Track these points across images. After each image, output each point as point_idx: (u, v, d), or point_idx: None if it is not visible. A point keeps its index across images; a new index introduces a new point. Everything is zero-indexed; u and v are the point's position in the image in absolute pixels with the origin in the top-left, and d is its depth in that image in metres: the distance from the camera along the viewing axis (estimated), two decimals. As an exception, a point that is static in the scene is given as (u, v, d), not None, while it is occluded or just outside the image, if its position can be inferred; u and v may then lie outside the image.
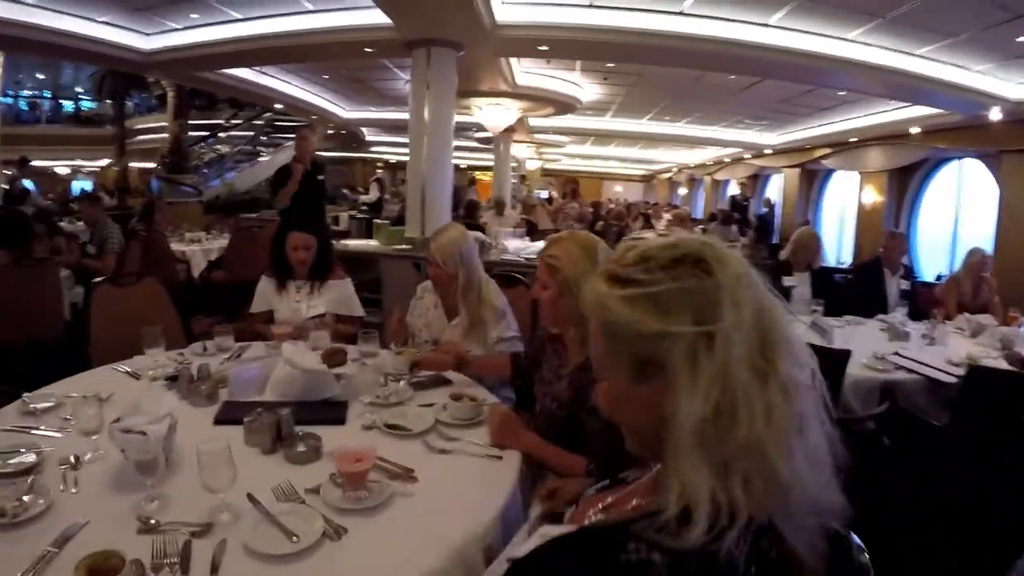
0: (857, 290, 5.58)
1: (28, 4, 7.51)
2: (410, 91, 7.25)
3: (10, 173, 13.45)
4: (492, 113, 11.79)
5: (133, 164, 15.80)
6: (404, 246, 6.96)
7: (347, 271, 4.13)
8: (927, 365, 3.76)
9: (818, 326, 4.45)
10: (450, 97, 7.21)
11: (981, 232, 9.86)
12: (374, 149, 21.76)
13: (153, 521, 1.65)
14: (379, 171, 20.16)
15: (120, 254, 6.65)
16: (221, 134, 18.93)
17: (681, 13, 6.96)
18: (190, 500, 1.75)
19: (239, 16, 8.15)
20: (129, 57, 9.10)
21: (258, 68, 11.30)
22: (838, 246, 14.65)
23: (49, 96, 22.00)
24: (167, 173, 13.78)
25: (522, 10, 7.04)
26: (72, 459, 1.97)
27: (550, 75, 10.76)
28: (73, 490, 1.83)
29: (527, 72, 10.44)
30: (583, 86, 11.52)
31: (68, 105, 22.10)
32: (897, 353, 3.96)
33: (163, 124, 15.54)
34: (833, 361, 3.38)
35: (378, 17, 6.77)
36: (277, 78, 12.04)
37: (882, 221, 12.33)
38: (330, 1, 7.43)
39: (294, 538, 1.59)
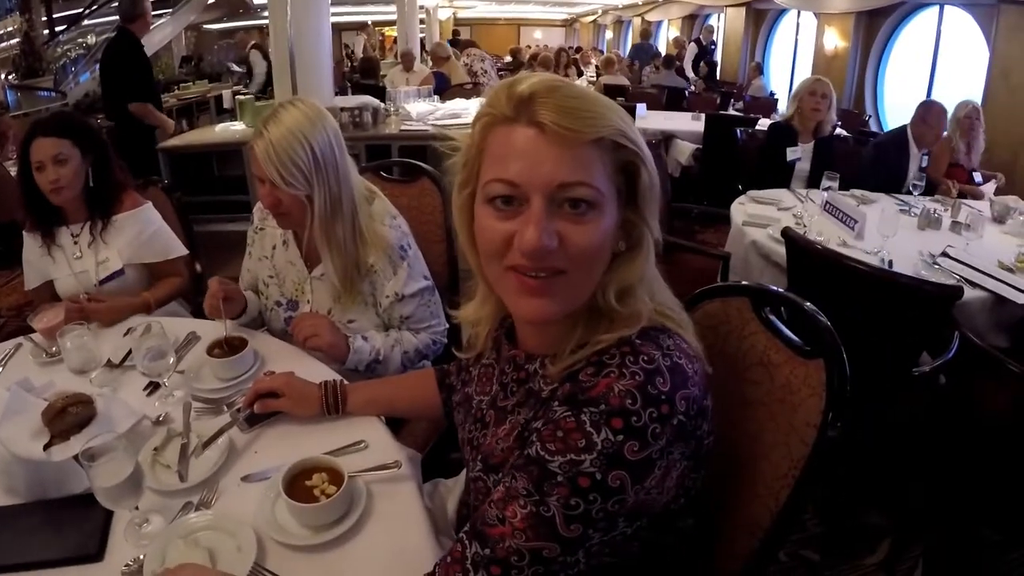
0: (876, 166, 4.51)
1: None
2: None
3: None
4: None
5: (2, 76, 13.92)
6: None
7: (154, 187, 2.76)
8: (1004, 283, 2.87)
9: (838, 208, 3.37)
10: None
11: (960, 93, 8.54)
12: (266, 14, 19.52)
13: None
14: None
15: None
16: (87, 21, 16.59)
17: None
18: None
19: None
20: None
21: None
22: (788, 97, 13.23)
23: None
24: (20, 79, 11.81)
25: None
26: None
27: None
28: None
29: None
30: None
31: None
32: (946, 255, 3.03)
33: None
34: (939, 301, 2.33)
35: None
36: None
37: (845, 70, 11.02)
38: None
39: None
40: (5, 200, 6.05)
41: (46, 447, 1.42)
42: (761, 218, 3.44)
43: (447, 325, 2.10)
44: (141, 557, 1.21)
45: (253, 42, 10.64)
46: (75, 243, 2.40)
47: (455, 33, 17.25)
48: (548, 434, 0.92)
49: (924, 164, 4.51)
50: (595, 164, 0.92)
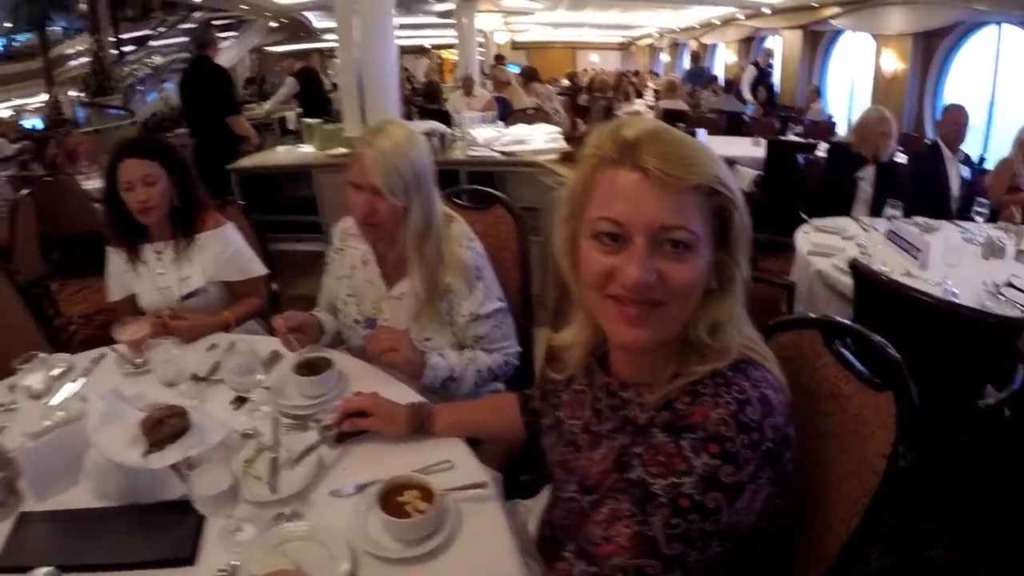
0: (916, 183, 4.45)
1: None
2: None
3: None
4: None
5: (72, 94, 14.34)
6: (342, 150, 5.30)
7: (232, 207, 2.90)
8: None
9: (901, 238, 3.33)
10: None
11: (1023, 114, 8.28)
12: (327, 37, 19.80)
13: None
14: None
15: (10, 216, 5.16)
16: (153, 43, 17.04)
17: None
18: None
19: None
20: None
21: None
22: (848, 120, 12.61)
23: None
24: (91, 97, 12.16)
25: None
26: None
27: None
28: None
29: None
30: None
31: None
32: (1012, 284, 2.93)
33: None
34: (1003, 333, 2.28)
35: None
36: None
37: (904, 92, 10.81)
38: None
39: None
40: (76, 213, 6.30)
41: (144, 455, 1.48)
42: (825, 247, 3.41)
43: (519, 348, 2.15)
44: (234, 563, 1.26)
45: (299, 66, 10.74)
46: (159, 260, 2.50)
47: (498, 58, 17.33)
48: (650, 459, 1.00)
49: (964, 174, 4.45)
50: (693, 208, 1.00)
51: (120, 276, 2.53)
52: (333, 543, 1.29)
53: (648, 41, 26.58)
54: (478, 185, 2.72)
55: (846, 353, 1.27)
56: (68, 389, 1.96)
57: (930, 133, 10.01)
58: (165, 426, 1.53)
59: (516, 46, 26.30)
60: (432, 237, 2.00)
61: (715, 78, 13.70)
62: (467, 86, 9.69)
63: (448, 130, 5.65)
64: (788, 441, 1.02)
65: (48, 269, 5.44)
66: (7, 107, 18.98)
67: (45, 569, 1.19)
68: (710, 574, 1.02)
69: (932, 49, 10.58)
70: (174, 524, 1.40)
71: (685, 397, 1.03)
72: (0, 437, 1.69)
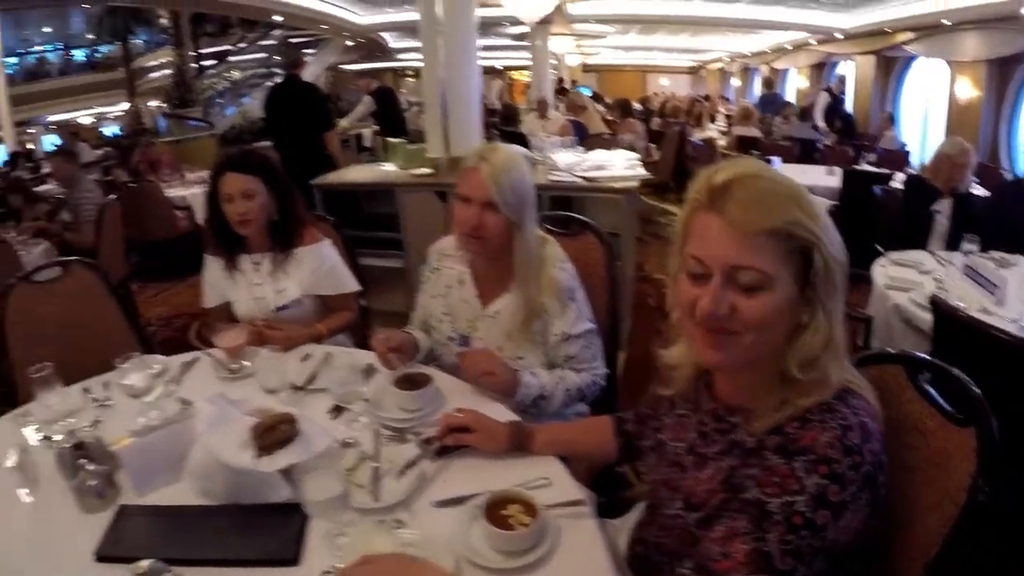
0: (994, 217, 4.34)
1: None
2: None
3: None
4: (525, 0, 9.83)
5: (153, 104, 14.95)
6: (425, 170, 5.34)
7: (325, 224, 3.02)
8: None
9: (979, 274, 3.26)
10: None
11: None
12: (401, 57, 20.21)
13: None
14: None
15: (98, 219, 5.38)
16: (232, 58, 17.68)
17: None
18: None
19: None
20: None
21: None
22: (921, 148, 12.52)
23: (60, 48, 20.61)
24: (172, 109, 12.67)
25: None
26: None
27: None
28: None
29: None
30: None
31: (79, 54, 20.58)
32: None
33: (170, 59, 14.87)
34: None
35: None
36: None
37: (979, 120, 10.59)
38: None
39: None
40: (158, 220, 6.59)
41: (255, 459, 1.54)
42: (903, 281, 3.39)
43: (607, 369, 2.21)
44: (338, 565, 1.30)
45: (376, 85, 10.88)
46: (256, 270, 2.60)
47: (560, 81, 17.39)
48: (765, 479, 1.10)
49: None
50: (766, 250, 1.11)
51: (217, 283, 2.64)
52: (436, 551, 1.33)
53: (718, 65, 26.50)
54: (558, 210, 2.79)
55: (930, 389, 1.31)
56: (162, 390, 2.04)
57: (1005, 162, 9.82)
58: (276, 432, 1.59)
59: (587, 68, 26.41)
60: (534, 258, 2.10)
61: (788, 104, 13.52)
62: (542, 109, 9.78)
63: (531, 154, 5.66)
64: (883, 466, 1.11)
65: (128, 272, 5.68)
66: (88, 115, 20.00)
67: (148, 561, 1.28)
68: None
69: (1008, 76, 10.40)
70: (278, 525, 1.46)
71: (794, 423, 1.13)
72: (95, 431, 1.76)
